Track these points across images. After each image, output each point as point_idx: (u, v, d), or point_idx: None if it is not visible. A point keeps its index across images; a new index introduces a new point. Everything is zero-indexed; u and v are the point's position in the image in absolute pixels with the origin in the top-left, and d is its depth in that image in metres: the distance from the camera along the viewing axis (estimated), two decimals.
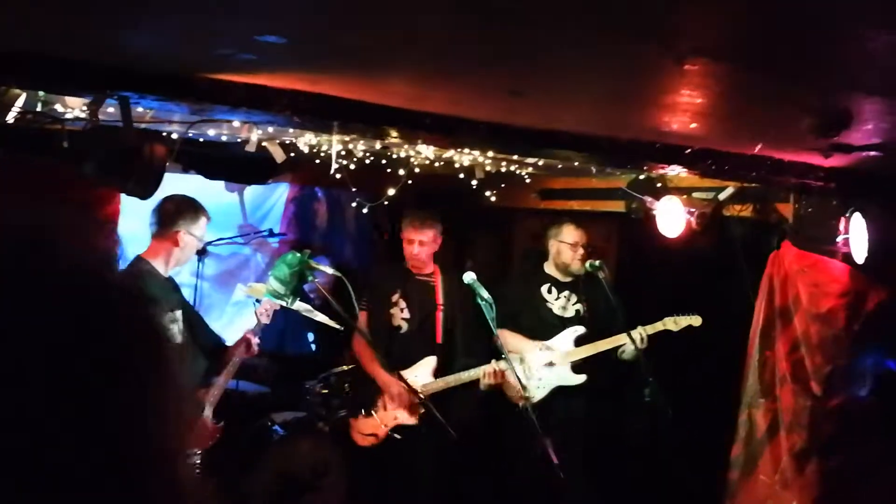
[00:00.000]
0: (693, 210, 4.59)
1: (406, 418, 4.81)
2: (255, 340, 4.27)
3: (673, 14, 1.69)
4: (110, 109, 3.26)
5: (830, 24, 1.71)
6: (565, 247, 5.10)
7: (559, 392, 4.95)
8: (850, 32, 1.77)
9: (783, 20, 1.71)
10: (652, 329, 4.85)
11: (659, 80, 2.35)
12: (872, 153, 3.20)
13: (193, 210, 4.03)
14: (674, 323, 4.87)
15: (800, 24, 1.72)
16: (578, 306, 5.17)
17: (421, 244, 4.94)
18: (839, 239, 4.08)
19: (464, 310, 4.94)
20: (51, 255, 0.64)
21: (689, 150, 3.67)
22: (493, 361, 4.69)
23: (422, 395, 4.53)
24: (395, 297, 5.01)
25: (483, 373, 4.71)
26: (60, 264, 0.64)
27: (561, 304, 5.17)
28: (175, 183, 5.00)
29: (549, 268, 5.26)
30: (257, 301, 4.42)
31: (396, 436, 4.83)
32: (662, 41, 1.84)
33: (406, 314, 4.99)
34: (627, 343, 4.78)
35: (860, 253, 3.86)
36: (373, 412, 4.89)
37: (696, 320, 4.87)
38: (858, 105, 2.36)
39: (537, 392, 4.92)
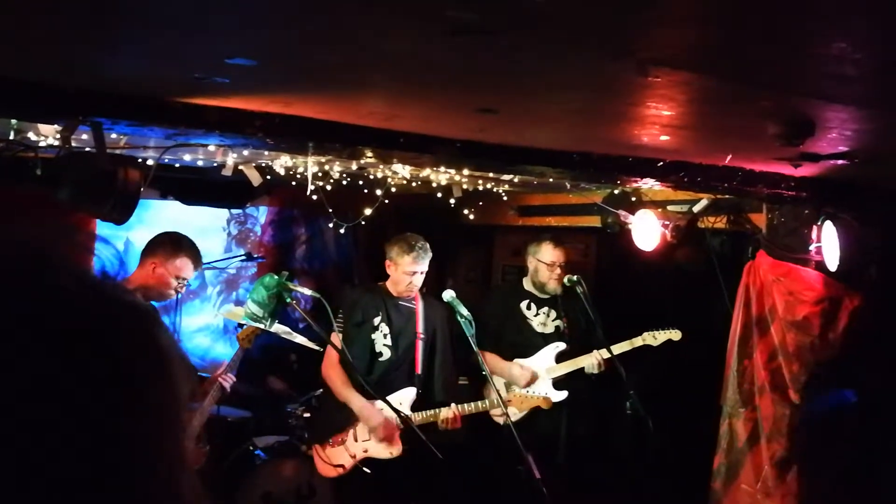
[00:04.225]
0: (668, 223, 4.63)
1: (379, 451, 4.52)
2: (231, 377, 4.23)
3: (636, 25, 1.72)
4: (84, 136, 3.27)
5: (790, 33, 1.75)
6: (542, 266, 5.09)
7: (541, 409, 4.94)
8: (810, 42, 1.81)
9: (743, 29, 1.75)
10: (629, 345, 4.89)
11: (626, 92, 2.38)
12: (840, 162, 3.26)
13: (173, 247, 3.96)
14: (653, 338, 4.89)
15: (759, 33, 1.76)
16: (558, 322, 5.17)
17: (421, 274, 4.65)
18: (812, 247, 4.14)
19: (443, 338, 4.76)
20: (50, 269, 0.66)
21: (661, 163, 3.72)
22: (452, 405, 4.54)
23: (409, 420, 4.15)
24: (376, 321, 4.67)
25: (443, 417, 4.51)
26: (60, 277, 0.66)
27: (540, 320, 5.17)
28: (160, 210, 5.05)
29: (527, 284, 5.26)
30: (239, 326, 4.40)
31: (366, 469, 4.52)
32: (627, 52, 1.87)
33: (388, 340, 4.66)
34: (588, 364, 4.87)
35: (832, 261, 3.92)
36: (342, 441, 4.60)
37: (675, 334, 4.88)
38: (821, 113, 2.41)
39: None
